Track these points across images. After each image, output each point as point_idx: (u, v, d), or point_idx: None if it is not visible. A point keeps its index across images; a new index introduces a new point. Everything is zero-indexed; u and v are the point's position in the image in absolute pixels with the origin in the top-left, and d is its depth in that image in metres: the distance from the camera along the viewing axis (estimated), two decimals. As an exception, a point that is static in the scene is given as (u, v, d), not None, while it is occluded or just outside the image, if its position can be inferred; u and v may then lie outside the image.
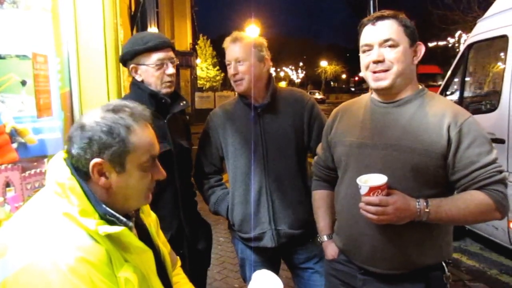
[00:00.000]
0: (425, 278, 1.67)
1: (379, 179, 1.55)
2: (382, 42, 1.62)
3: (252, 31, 18.97)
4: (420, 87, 1.73)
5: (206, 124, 2.34)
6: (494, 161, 1.58)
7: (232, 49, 2.19)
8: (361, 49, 1.70)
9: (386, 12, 1.66)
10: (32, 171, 1.83)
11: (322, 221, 2.01)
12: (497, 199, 1.57)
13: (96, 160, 1.13)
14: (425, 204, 1.55)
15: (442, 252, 1.70)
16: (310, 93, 38.84)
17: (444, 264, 1.70)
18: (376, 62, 1.63)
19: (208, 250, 2.35)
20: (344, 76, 77.69)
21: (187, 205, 2.20)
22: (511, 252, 4.09)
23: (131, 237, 1.17)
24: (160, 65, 2.04)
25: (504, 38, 4.02)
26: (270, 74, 2.27)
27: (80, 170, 1.16)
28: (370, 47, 1.65)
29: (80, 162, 1.15)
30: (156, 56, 2.03)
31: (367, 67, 1.67)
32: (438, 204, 1.57)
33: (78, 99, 2.07)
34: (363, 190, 1.55)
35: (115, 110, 1.18)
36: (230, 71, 2.19)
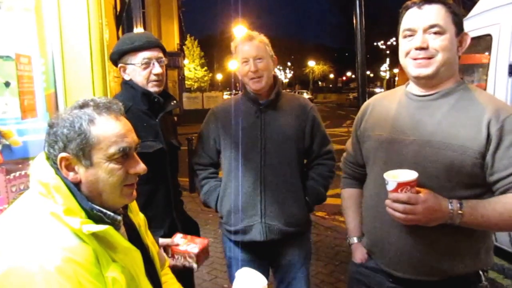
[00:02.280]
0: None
1: (409, 174, 1.43)
2: (428, 28, 1.48)
3: (239, 32, 18.95)
4: (460, 79, 1.60)
5: (208, 117, 2.38)
6: None
7: (250, 47, 2.21)
8: (401, 34, 1.56)
9: None
10: (17, 174, 1.80)
11: (351, 222, 1.90)
12: None
13: (62, 154, 1.14)
14: (458, 205, 1.42)
15: (480, 260, 1.55)
16: (298, 92, 39.01)
17: (481, 272, 1.57)
18: (420, 48, 1.49)
19: None
20: (331, 76, 78.11)
21: (178, 203, 2.23)
22: (496, 249, 4.15)
23: (117, 236, 1.16)
24: (146, 64, 2.05)
25: (488, 37, 4.08)
26: (275, 74, 2.32)
27: (52, 166, 1.17)
28: (413, 32, 1.51)
29: (52, 159, 1.17)
30: (142, 55, 2.05)
31: (407, 54, 1.54)
32: (474, 206, 1.43)
33: (63, 101, 2.04)
34: (391, 186, 1.43)
35: (82, 105, 1.19)
36: (248, 68, 2.19)
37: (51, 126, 1.17)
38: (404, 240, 1.55)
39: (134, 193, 1.26)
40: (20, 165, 1.81)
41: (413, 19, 1.52)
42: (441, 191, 1.45)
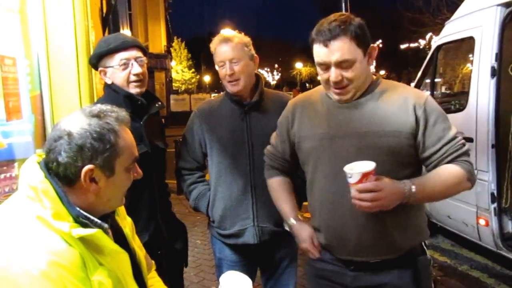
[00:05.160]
0: (413, 263, 1.70)
1: (368, 165, 1.51)
2: (338, 63, 1.61)
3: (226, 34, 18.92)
4: (374, 77, 1.76)
5: (191, 119, 2.33)
6: (457, 134, 1.67)
7: (225, 49, 2.16)
8: (317, 65, 1.69)
9: (335, 26, 1.59)
10: (2, 176, 1.78)
11: (287, 205, 1.93)
12: (468, 169, 1.66)
13: (89, 166, 1.13)
14: (410, 184, 1.57)
15: (422, 232, 1.76)
16: (286, 95, 38.95)
17: (424, 245, 1.75)
18: (336, 82, 1.64)
19: (185, 249, 2.36)
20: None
21: (163, 206, 2.20)
22: (480, 248, 4.22)
23: (106, 240, 1.16)
24: (125, 65, 2.02)
25: (470, 39, 4.15)
26: (257, 73, 2.29)
27: (64, 177, 1.15)
28: (326, 66, 1.65)
29: (70, 170, 1.14)
30: (119, 57, 2.02)
31: (326, 82, 1.69)
32: (422, 183, 1.61)
33: (49, 102, 2.04)
34: (355, 178, 1.50)
35: (100, 115, 1.18)
36: (224, 71, 2.16)
37: (70, 135, 1.13)
38: (362, 226, 1.66)
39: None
40: (5, 167, 1.79)
41: (323, 56, 1.63)
42: (388, 174, 1.58)
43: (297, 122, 1.86)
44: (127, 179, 1.24)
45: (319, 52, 1.64)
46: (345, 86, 1.65)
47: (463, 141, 1.68)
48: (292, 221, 1.89)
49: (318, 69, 1.71)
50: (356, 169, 1.51)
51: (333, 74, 1.63)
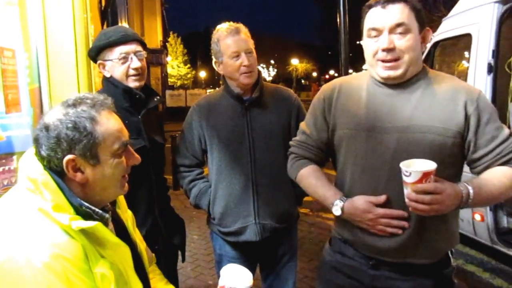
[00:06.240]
0: (437, 273, 1.59)
1: (428, 164, 1.38)
2: (394, 27, 1.48)
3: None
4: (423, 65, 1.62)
5: (190, 115, 2.29)
6: (510, 134, 1.53)
7: (238, 39, 2.11)
8: (366, 33, 1.55)
9: None
10: (0, 169, 1.78)
11: (329, 189, 1.67)
12: None
13: (69, 157, 1.12)
14: (469, 188, 1.44)
15: (455, 237, 1.64)
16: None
17: (450, 253, 1.64)
18: (387, 50, 1.50)
19: (183, 244, 2.35)
20: (315, 74, 78.48)
21: (161, 200, 2.19)
22: (476, 243, 4.25)
23: (106, 232, 1.16)
24: (124, 58, 2.01)
25: (468, 36, 4.16)
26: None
27: (53, 169, 1.14)
28: (378, 32, 1.51)
29: (53, 162, 1.13)
30: (119, 50, 2.00)
31: (374, 54, 1.54)
32: (479, 186, 1.47)
33: (47, 95, 2.02)
34: (414, 177, 1.36)
35: (76, 104, 1.16)
36: (240, 62, 2.10)
37: (47, 128, 1.13)
38: (412, 228, 1.52)
39: (126, 185, 1.27)
40: (3, 160, 1.79)
41: (378, 18, 1.51)
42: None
43: (333, 107, 1.70)
44: (117, 166, 1.19)
45: (375, 14, 1.51)
46: (396, 58, 1.50)
47: None
48: (339, 202, 1.60)
49: (367, 41, 1.56)
50: (415, 167, 1.38)
51: (386, 39, 1.49)
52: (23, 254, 1.01)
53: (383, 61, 1.52)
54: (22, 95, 1.89)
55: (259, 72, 2.25)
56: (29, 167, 1.15)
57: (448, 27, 4.68)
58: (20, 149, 1.81)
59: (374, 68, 1.57)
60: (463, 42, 4.47)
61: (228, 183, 2.19)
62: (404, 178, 1.39)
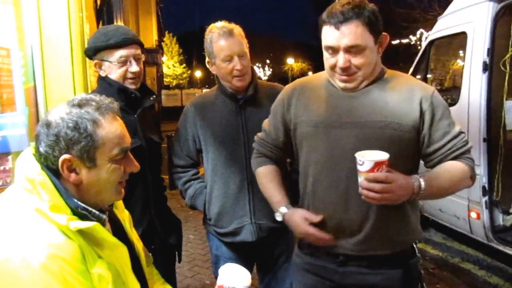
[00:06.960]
0: (403, 264, 1.66)
1: (381, 154, 1.44)
2: (348, 48, 1.53)
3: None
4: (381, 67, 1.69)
5: (184, 115, 2.27)
6: (461, 131, 1.62)
7: (231, 42, 2.08)
8: (323, 48, 1.61)
9: (348, 9, 1.52)
10: (-4, 169, 1.77)
11: (278, 193, 1.78)
12: (471, 166, 1.62)
13: (65, 156, 1.11)
14: (420, 180, 1.49)
15: (416, 231, 1.70)
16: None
17: (415, 246, 1.71)
18: (342, 69, 1.56)
19: (179, 244, 2.34)
20: (310, 73, 78.56)
21: (158, 200, 2.18)
22: (472, 241, 4.27)
23: (104, 233, 1.15)
24: (123, 62, 1.98)
25: (463, 34, 4.18)
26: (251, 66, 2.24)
27: (50, 168, 1.14)
28: (334, 51, 1.56)
29: (49, 159, 1.13)
30: (118, 54, 1.97)
31: (331, 68, 1.61)
32: (431, 179, 1.53)
33: (43, 95, 2.01)
34: (367, 166, 1.41)
35: (81, 104, 1.15)
36: (232, 66, 2.09)
37: (48, 125, 1.12)
38: (359, 220, 1.60)
39: (123, 190, 1.26)
40: (-1, 161, 1.78)
41: (333, 39, 1.54)
42: (390, 167, 1.49)
43: (293, 106, 1.75)
44: (114, 171, 1.18)
45: (329, 35, 1.55)
46: (352, 73, 1.58)
47: (466, 137, 1.63)
48: (284, 209, 1.73)
49: (325, 54, 1.61)
50: (369, 157, 1.44)
51: (341, 59, 1.55)
52: (19, 254, 1.00)
53: (340, 74, 1.60)
54: (17, 94, 1.87)
55: (253, 70, 2.23)
56: (27, 167, 1.14)
57: (443, 26, 4.69)
58: (15, 149, 1.80)
59: (332, 78, 1.65)
60: (458, 40, 4.48)
61: (224, 183, 2.18)
62: (358, 167, 1.45)
